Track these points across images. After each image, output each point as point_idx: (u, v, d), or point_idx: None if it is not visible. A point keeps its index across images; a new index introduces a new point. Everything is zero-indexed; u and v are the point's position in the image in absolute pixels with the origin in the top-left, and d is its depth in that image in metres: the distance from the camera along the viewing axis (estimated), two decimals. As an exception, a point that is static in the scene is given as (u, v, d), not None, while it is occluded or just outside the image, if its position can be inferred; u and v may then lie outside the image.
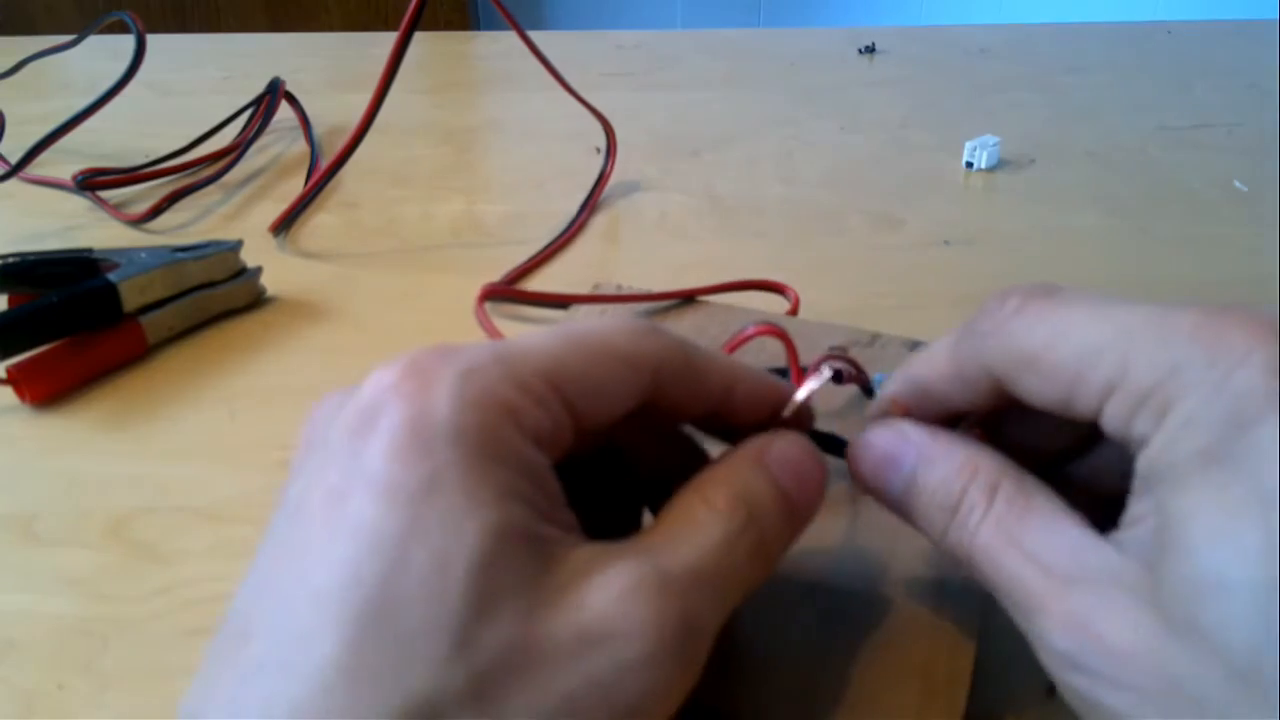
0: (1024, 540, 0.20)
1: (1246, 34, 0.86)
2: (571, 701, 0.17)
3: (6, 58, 0.72)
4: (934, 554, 0.27)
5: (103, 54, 0.77)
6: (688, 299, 0.41)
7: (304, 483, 0.19)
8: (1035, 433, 0.24)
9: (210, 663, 0.18)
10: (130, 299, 0.40)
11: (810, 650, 0.24)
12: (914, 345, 0.36)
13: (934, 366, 0.23)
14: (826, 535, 0.28)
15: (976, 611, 0.25)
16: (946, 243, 0.50)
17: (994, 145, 0.59)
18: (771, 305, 0.43)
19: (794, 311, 0.42)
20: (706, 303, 0.41)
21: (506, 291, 0.44)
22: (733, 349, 0.27)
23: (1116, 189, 0.56)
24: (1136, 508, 0.19)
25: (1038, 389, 0.20)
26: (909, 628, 0.25)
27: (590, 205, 0.54)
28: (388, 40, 0.48)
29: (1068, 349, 0.20)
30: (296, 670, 0.16)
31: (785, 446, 0.22)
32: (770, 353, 0.34)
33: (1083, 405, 0.20)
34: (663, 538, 0.20)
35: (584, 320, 0.34)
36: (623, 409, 0.21)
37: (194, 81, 0.77)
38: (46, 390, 0.38)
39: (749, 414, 0.23)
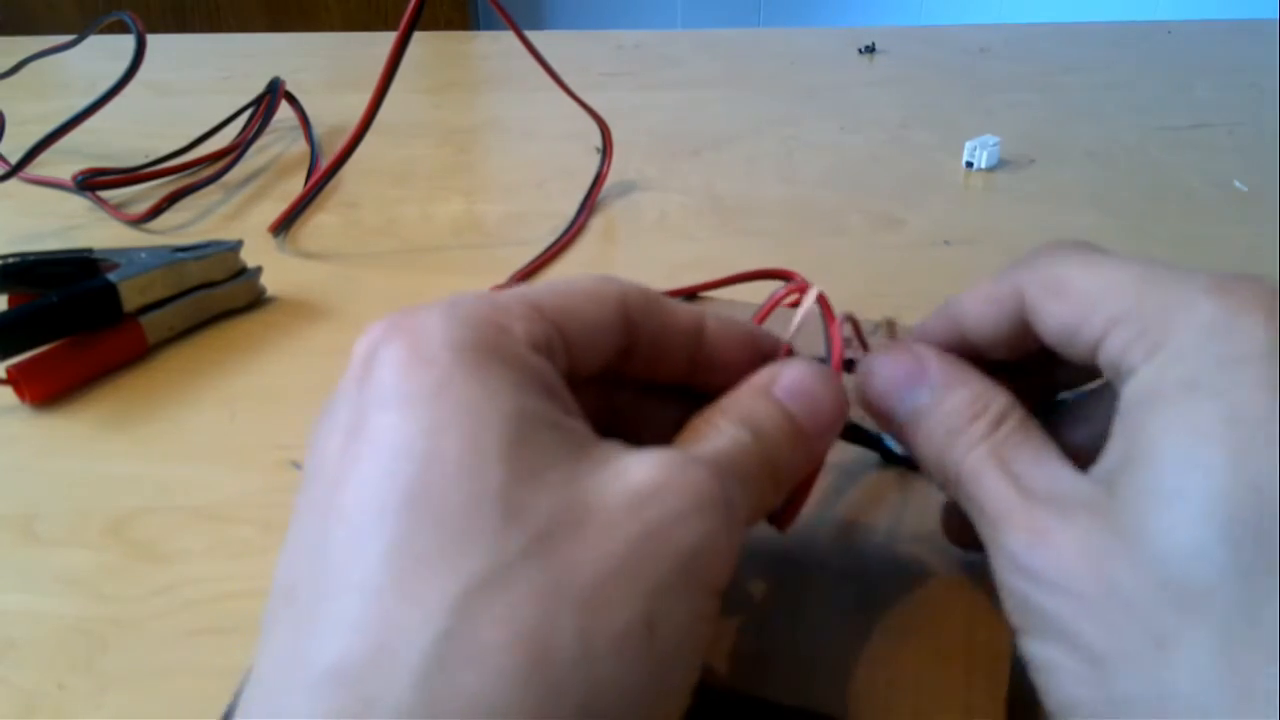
0: (1011, 463, 0.20)
1: (1246, 34, 0.86)
2: (633, 550, 0.17)
3: (6, 58, 0.72)
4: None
5: (103, 54, 0.77)
6: (692, 295, 0.41)
7: (318, 442, 0.19)
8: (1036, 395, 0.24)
9: (264, 636, 0.18)
10: (130, 299, 0.40)
11: (851, 633, 0.24)
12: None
13: (973, 298, 0.23)
14: (863, 517, 0.28)
15: None
16: (946, 243, 0.50)
17: (994, 145, 0.59)
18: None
19: (765, 315, 0.42)
20: (712, 299, 0.41)
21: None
22: (764, 316, 0.27)
23: (1116, 189, 0.56)
24: (1112, 442, 0.20)
25: (1055, 315, 0.21)
26: (949, 608, 0.25)
27: (589, 205, 0.54)
28: (388, 40, 0.48)
29: (1091, 280, 0.21)
30: (347, 589, 0.16)
31: (793, 372, 0.22)
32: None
33: (1087, 335, 0.20)
34: (678, 445, 0.20)
35: None
36: (604, 343, 0.21)
37: (194, 81, 0.77)
38: (46, 390, 0.38)
39: (728, 361, 0.23)
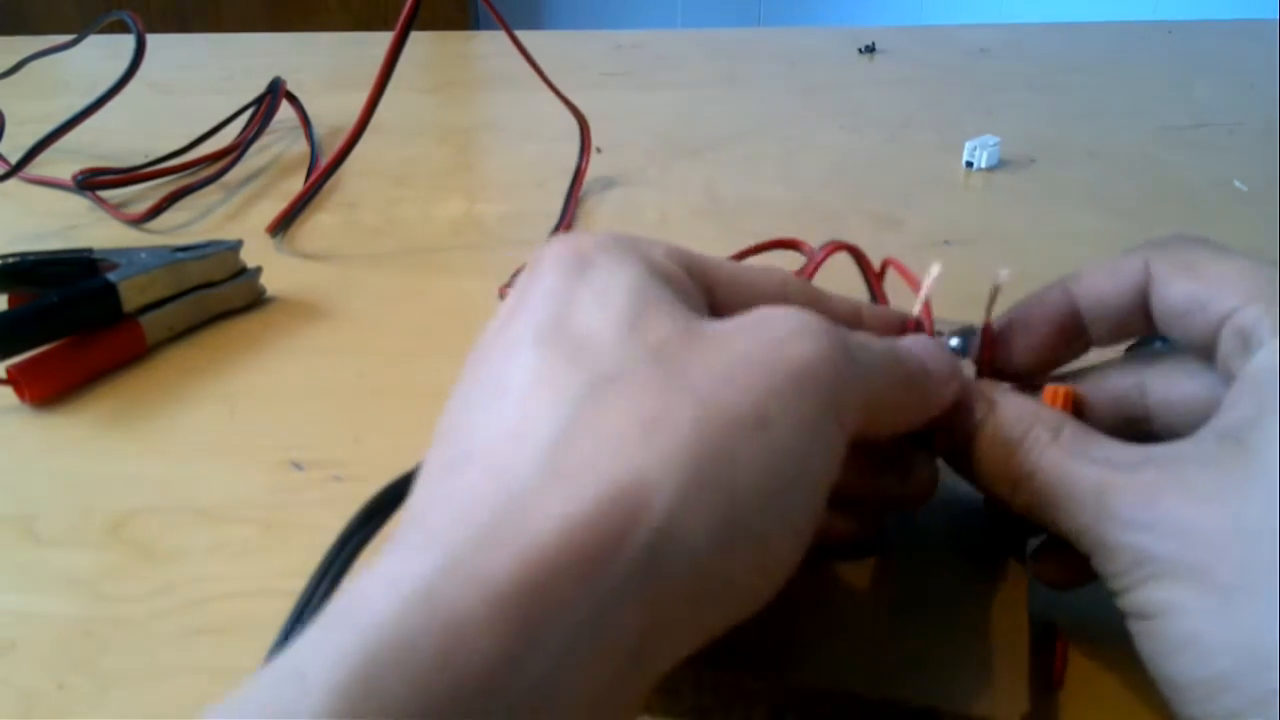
0: (1090, 452, 0.22)
1: (1246, 34, 0.86)
2: (742, 358, 0.19)
3: (6, 58, 0.72)
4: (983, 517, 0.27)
5: (103, 54, 0.77)
6: None
7: (489, 326, 0.22)
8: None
9: (427, 483, 0.19)
10: (130, 299, 0.40)
11: (877, 614, 0.25)
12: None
13: (1096, 269, 0.25)
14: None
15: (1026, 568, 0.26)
16: (947, 243, 0.50)
17: (994, 145, 0.59)
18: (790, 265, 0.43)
19: (811, 274, 0.42)
20: None
21: None
22: (811, 273, 0.27)
23: (1116, 189, 0.56)
24: (1237, 404, 0.21)
25: (1185, 289, 0.23)
26: (963, 588, 0.25)
27: (573, 201, 0.54)
28: (388, 40, 0.48)
29: (1222, 265, 0.23)
30: (494, 399, 0.19)
31: (910, 340, 0.24)
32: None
33: (1215, 309, 0.22)
34: None
35: None
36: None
37: (194, 81, 0.77)
38: (46, 390, 0.38)
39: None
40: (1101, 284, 0.25)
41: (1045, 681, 0.25)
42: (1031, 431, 0.23)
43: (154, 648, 0.27)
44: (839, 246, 0.28)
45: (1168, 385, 0.25)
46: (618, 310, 0.20)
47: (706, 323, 0.20)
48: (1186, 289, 0.23)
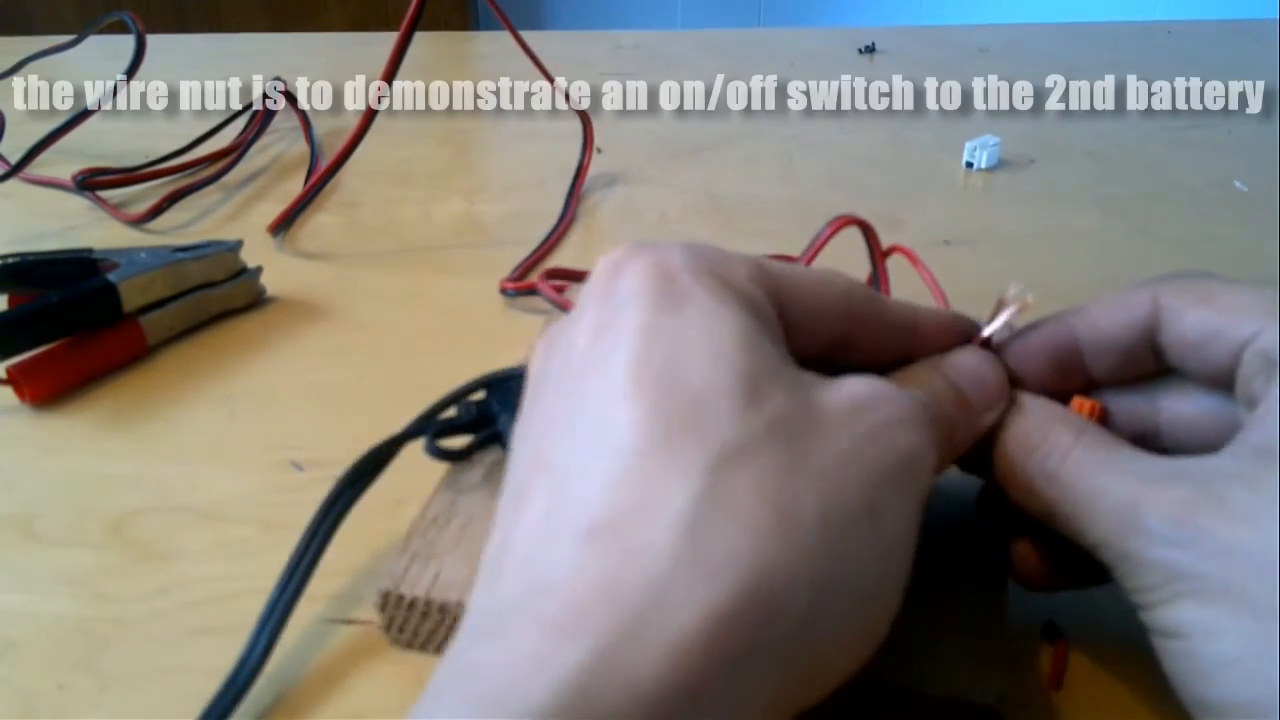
0: (1118, 461, 0.22)
1: (1246, 34, 0.86)
2: (858, 445, 0.19)
3: (6, 58, 0.72)
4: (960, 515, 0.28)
5: (103, 54, 0.77)
6: None
7: (564, 340, 0.21)
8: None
9: (514, 501, 0.19)
10: (130, 299, 0.40)
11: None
12: None
13: (1101, 303, 0.25)
14: None
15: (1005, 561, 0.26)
16: (947, 243, 0.50)
17: (994, 145, 0.59)
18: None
19: (816, 251, 0.42)
20: None
21: (568, 273, 0.44)
22: (816, 252, 0.27)
23: (1116, 189, 0.56)
24: (1265, 422, 0.21)
25: (1200, 317, 0.23)
26: (943, 572, 0.25)
27: (574, 200, 0.54)
28: (388, 40, 0.48)
29: (1235, 294, 0.23)
30: (606, 454, 0.18)
31: (960, 355, 0.24)
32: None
33: (1232, 335, 0.22)
34: None
35: None
36: (824, 327, 0.23)
37: (194, 81, 0.77)
38: (46, 390, 0.38)
39: (938, 348, 0.25)
40: (1106, 317, 0.25)
41: (1045, 681, 0.25)
42: (1053, 435, 0.23)
43: (154, 648, 0.27)
44: (848, 221, 0.28)
45: (1180, 403, 0.25)
46: (731, 368, 0.19)
47: (813, 390, 0.20)
48: (1202, 318, 0.23)
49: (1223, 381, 0.23)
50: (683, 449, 0.18)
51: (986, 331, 0.25)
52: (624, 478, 0.18)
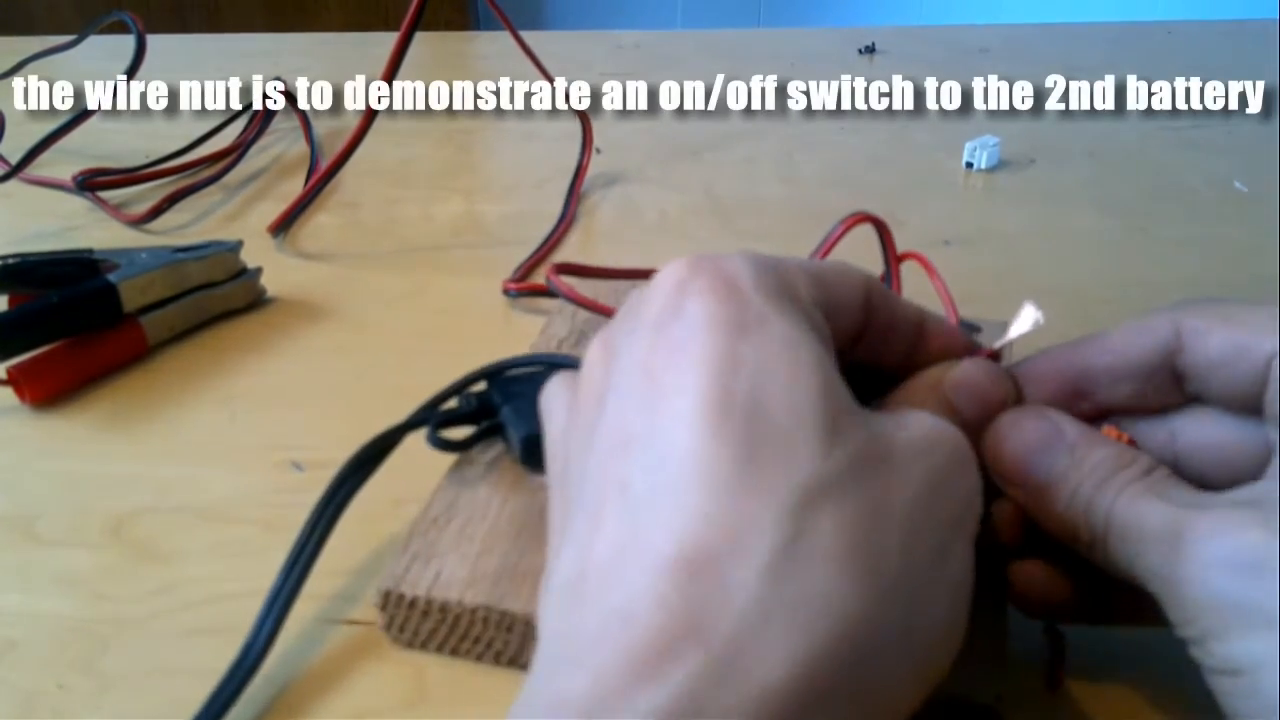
0: (1170, 493, 0.21)
1: (1246, 34, 0.86)
2: (929, 487, 0.19)
3: (7, 58, 0.72)
4: None
5: (103, 54, 0.77)
6: None
7: (627, 359, 0.20)
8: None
9: (588, 524, 0.19)
10: (130, 299, 0.40)
11: None
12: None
13: (1121, 329, 0.24)
14: None
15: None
16: (947, 243, 0.50)
17: (994, 145, 0.59)
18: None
19: (829, 248, 0.42)
20: None
21: (576, 268, 0.44)
22: (828, 251, 0.27)
23: (1116, 189, 0.56)
24: None
25: (1224, 337, 0.23)
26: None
27: (573, 200, 0.54)
28: (388, 40, 0.48)
29: (1256, 313, 0.23)
30: (692, 483, 0.18)
31: (964, 369, 0.24)
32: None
33: (1257, 353, 0.22)
34: None
35: None
36: (847, 322, 0.23)
37: (194, 81, 0.77)
38: (46, 390, 0.38)
39: (941, 354, 0.25)
40: (1125, 341, 0.24)
41: (1045, 681, 0.25)
42: (1122, 473, 0.22)
43: (154, 648, 0.27)
44: (861, 218, 0.28)
45: (1197, 431, 0.24)
46: (810, 402, 0.19)
47: (885, 426, 0.20)
48: (1226, 337, 0.23)
49: (1246, 403, 0.23)
50: (770, 486, 0.18)
51: (998, 344, 0.25)
52: (714, 511, 0.17)
